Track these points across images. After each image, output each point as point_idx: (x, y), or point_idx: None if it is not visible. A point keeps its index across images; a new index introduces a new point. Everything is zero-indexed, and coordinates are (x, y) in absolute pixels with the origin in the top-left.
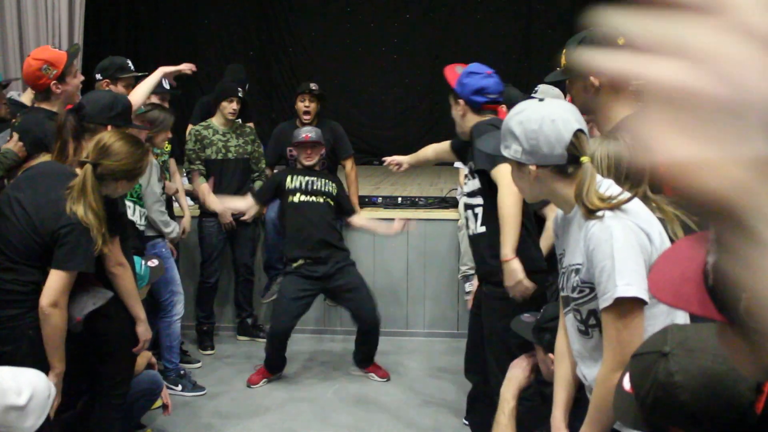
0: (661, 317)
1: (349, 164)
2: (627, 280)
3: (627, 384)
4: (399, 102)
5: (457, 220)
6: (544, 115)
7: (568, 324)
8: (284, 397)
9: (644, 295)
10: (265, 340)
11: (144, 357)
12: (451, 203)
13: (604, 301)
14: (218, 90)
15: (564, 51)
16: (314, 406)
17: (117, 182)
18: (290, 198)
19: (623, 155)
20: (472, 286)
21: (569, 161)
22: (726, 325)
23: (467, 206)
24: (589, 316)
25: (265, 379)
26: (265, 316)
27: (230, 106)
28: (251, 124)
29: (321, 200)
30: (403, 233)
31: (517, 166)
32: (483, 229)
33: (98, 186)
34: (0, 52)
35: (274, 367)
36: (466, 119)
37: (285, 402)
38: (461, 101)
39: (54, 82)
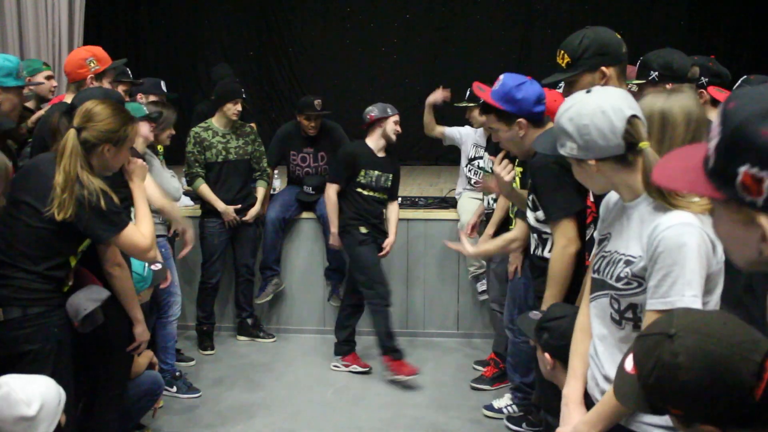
0: None
1: None
2: (695, 291)
3: (629, 365)
4: (399, 102)
5: (458, 220)
6: (594, 108)
7: (596, 307)
8: (284, 397)
9: (700, 306)
10: (264, 340)
11: (145, 357)
12: (450, 203)
13: (663, 304)
14: (221, 90)
15: (562, 51)
16: (314, 406)
17: (102, 146)
18: (359, 189)
19: (691, 110)
20: (484, 285)
21: (627, 149)
22: (722, 202)
23: (534, 228)
24: (627, 309)
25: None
26: (266, 316)
27: (234, 108)
28: (253, 124)
29: (381, 196)
30: (402, 234)
31: (577, 162)
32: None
33: (82, 151)
34: (0, 51)
35: (396, 349)
36: (527, 138)
37: (285, 402)
38: (522, 120)
39: (92, 76)
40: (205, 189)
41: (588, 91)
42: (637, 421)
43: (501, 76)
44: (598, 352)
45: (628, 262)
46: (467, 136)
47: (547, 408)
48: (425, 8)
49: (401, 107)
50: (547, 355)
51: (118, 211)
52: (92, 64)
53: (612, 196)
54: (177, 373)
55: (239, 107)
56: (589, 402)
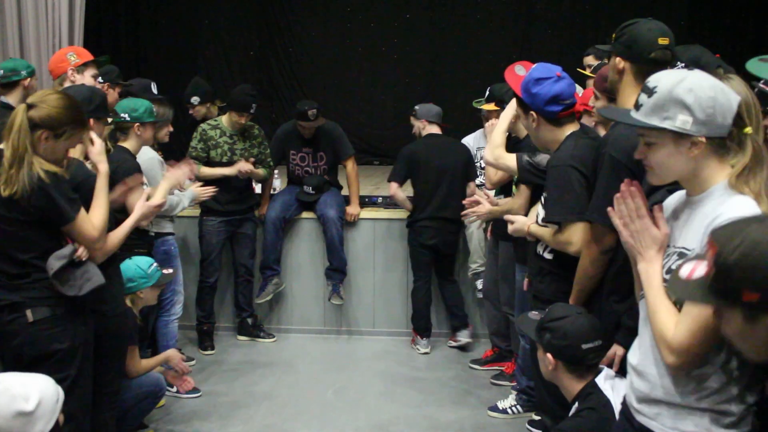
0: None
1: (349, 164)
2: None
3: (685, 272)
4: (399, 102)
5: (461, 222)
6: (713, 83)
7: (644, 307)
8: (284, 397)
9: None
10: (264, 340)
11: (157, 359)
12: None
13: None
14: (233, 97)
15: (618, 29)
16: (314, 406)
17: (41, 131)
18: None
19: (747, 98)
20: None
21: (729, 134)
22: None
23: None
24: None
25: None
26: (266, 316)
27: (239, 120)
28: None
29: None
30: (401, 234)
31: (675, 141)
32: (550, 256)
33: (28, 129)
34: (0, 51)
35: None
36: (541, 131)
37: (285, 402)
38: (533, 113)
39: (72, 69)
40: (206, 169)
41: (685, 67)
42: (668, 428)
43: (535, 65)
44: (640, 351)
45: (681, 255)
46: (476, 141)
47: (544, 409)
48: (425, 8)
49: (401, 107)
50: (549, 355)
51: (73, 197)
52: (72, 58)
53: (677, 195)
54: None
55: (243, 121)
56: (626, 410)
